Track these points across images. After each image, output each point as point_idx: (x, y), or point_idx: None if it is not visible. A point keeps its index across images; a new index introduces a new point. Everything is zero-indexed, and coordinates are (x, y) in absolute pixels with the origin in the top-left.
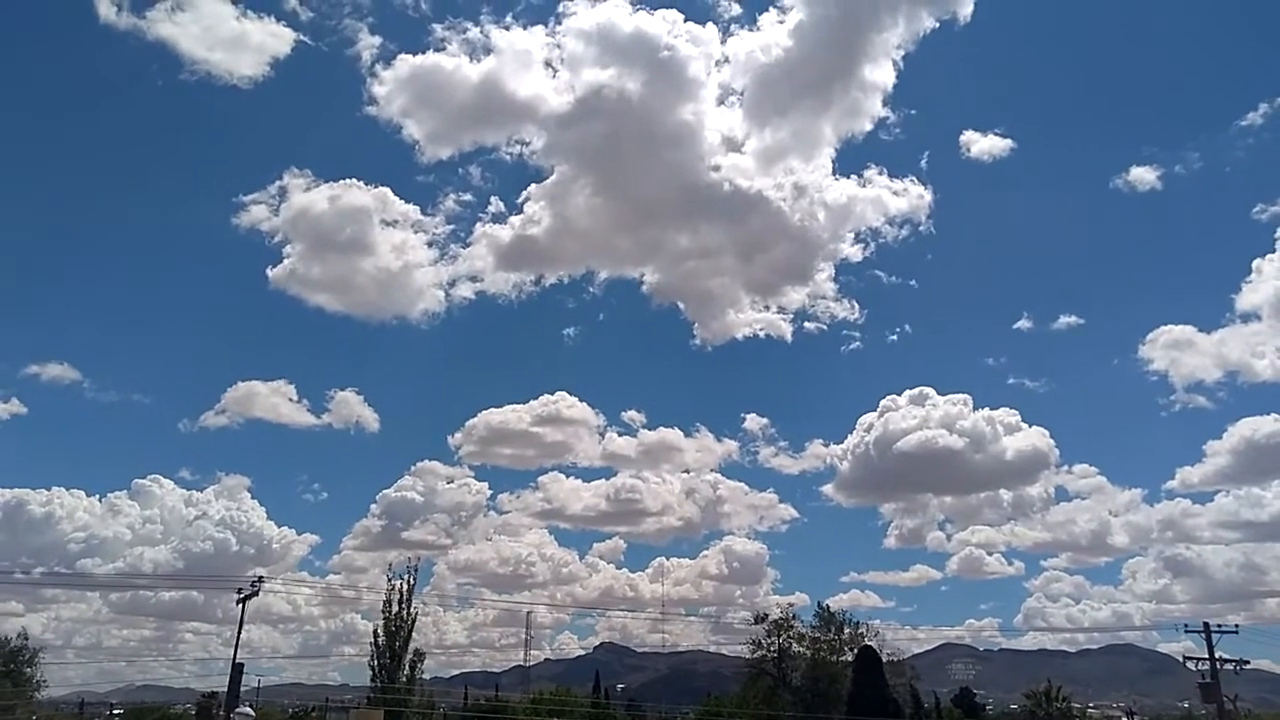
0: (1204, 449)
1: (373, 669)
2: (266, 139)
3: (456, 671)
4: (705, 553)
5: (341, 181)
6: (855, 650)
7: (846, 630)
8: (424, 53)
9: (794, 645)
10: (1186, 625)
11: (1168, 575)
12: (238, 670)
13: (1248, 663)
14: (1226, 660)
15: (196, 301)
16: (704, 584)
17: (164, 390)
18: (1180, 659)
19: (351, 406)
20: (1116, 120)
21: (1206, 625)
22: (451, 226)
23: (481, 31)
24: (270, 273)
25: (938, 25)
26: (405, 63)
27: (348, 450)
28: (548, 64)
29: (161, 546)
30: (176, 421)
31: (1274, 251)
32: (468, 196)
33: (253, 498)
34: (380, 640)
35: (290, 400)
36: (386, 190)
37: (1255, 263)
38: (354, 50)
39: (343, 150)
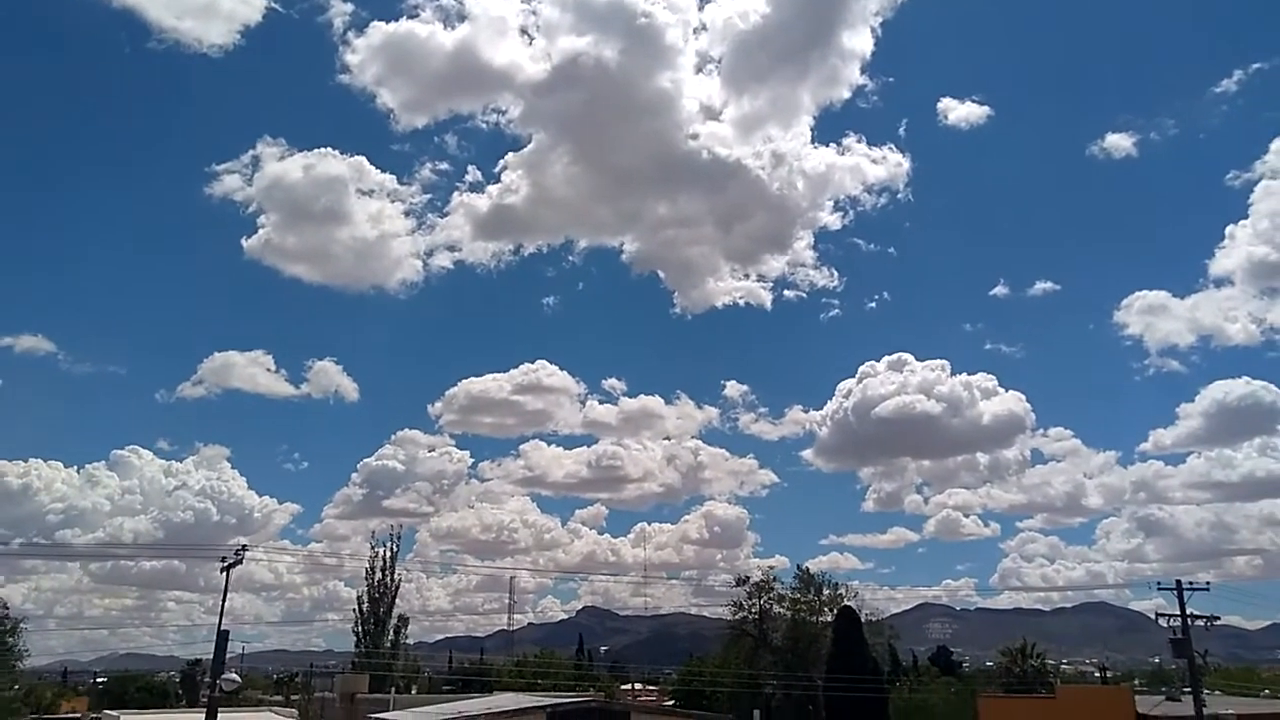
0: (1177, 412)
1: (357, 635)
2: (238, 108)
3: (441, 636)
4: (686, 518)
5: (316, 151)
6: (835, 611)
7: (826, 591)
8: (397, 20)
9: (774, 607)
10: (1159, 583)
11: (1140, 535)
12: (223, 638)
13: (1218, 619)
14: (1197, 617)
15: (170, 272)
16: (685, 548)
17: (139, 361)
18: (1153, 616)
19: (330, 376)
20: (1093, 88)
21: (1179, 583)
22: (428, 196)
23: None
24: (245, 243)
25: None
26: (378, 30)
27: (327, 420)
28: (523, 31)
29: (141, 516)
30: (153, 392)
31: (1247, 218)
32: (444, 165)
33: (233, 468)
34: (364, 607)
35: (268, 370)
36: (362, 159)
37: (1228, 229)
38: (326, 17)
39: (316, 119)
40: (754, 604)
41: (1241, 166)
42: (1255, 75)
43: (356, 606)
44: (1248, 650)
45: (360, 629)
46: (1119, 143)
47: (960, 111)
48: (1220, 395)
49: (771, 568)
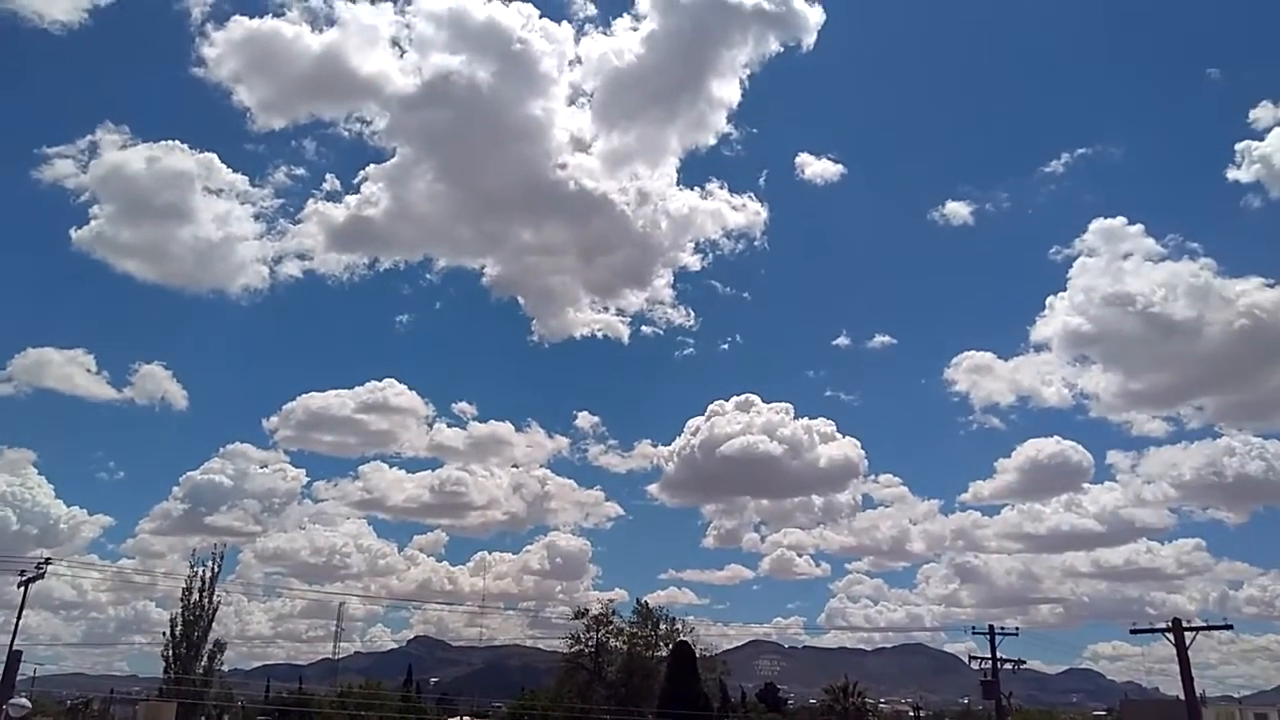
0: (995, 466)
1: (166, 659)
2: (79, 90)
3: (259, 664)
4: (529, 548)
5: (163, 143)
6: (671, 646)
7: (663, 626)
8: (261, 17)
9: (611, 640)
10: (973, 627)
11: (956, 581)
12: (14, 659)
13: (1024, 662)
14: (1006, 660)
15: None
16: (525, 579)
17: None
18: (965, 658)
19: (158, 381)
20: (938, 157)
21: (991, 628)
22: (281, 201)
23: (325, 2)
24: (74, 234)
25: (782, 50)
26: (240, 25)
27: (151, 428)
28: (395, 43)
29: None
30: None
31: (1065, 290)
32: (300, 171)
33: (39, 473)
34: (177, 629)
35: (88, 371)
36: (213, 156)
37: (1049, 299)
38: (184, 5)
39: (166, 110)
40: (591, 637)
41: (1063, 242)
42: (1079, 159)
43: (169, 629)
44: (1046, 693)
45: (171, 653)
46: (958, 210)
47: (816, 167)
48: (1033, 453)
49: (611, 601)
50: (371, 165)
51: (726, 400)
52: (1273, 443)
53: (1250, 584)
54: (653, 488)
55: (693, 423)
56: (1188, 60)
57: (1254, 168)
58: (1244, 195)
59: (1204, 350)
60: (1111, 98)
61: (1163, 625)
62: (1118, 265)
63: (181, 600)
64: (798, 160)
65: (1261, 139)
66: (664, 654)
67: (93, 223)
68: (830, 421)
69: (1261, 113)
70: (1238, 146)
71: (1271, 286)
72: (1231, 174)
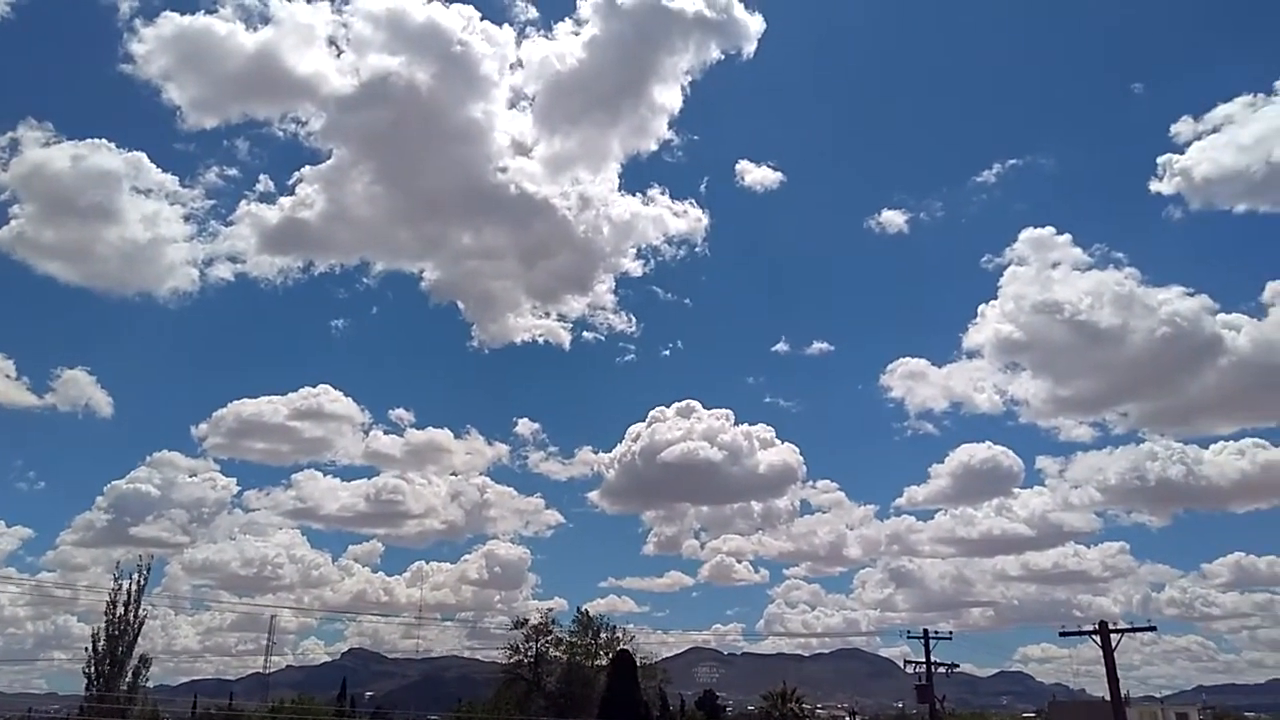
0: (929, 471)
1: (88, 676)
2: None
3: (186, 679)
4: (467, 557)
5: (88, 141)
6: (611, 655)
7: (604, 635)
8: (193, 14)
9: (551, 650)
10: (908, 632)
11: (891, 585)
12: None
13: (957, 666)
14: (940, 664)
15: None
16: (463, 589)
17: None
18: (900, 663)
19: (81, 387)
20: (874, 165)
21: (926, 632)
22: (212, 202)
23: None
24: None
25: (723, 57)
26: (170, 21)
27: (73, 435)
28: (331, 42)
29: None
30: None
31: (996, 299)
32: (233, 171)
33: None
34: (100, 645)
35: (7, 377)
36: (141, 156)
37: (980, 307)
38: (110, 0)
39: (92, 107)
40: (530, 647)
41: (994, 251)
42: (1010, 170)
43: (91, 644)
44: (977, 696)
45: (93, 669)
46: (893, 219)
47: (756, 174)
48: (965, 458)
49: (551, 610)
50: (307, 167)
51: (668, 406)
52: (1193, 448)
53: (1171, 586)
54: (593, 495)
55: (634, 429)
56: (1113, 75)
57: (1175, 180)
58: (1165, 207)
59: (1128, 357)
60: (1041, 110)
61: (1090, 628)
62: (1046, 274)
63: (105, 614)
64: (738, 167)
65: (1182, 152)
66: (604, 663)
67: (13, 223)
68: (770, 427)
69: (1182, 127)
70: (1159, 160)
71: (1192, 295)
72: (1154, 186)
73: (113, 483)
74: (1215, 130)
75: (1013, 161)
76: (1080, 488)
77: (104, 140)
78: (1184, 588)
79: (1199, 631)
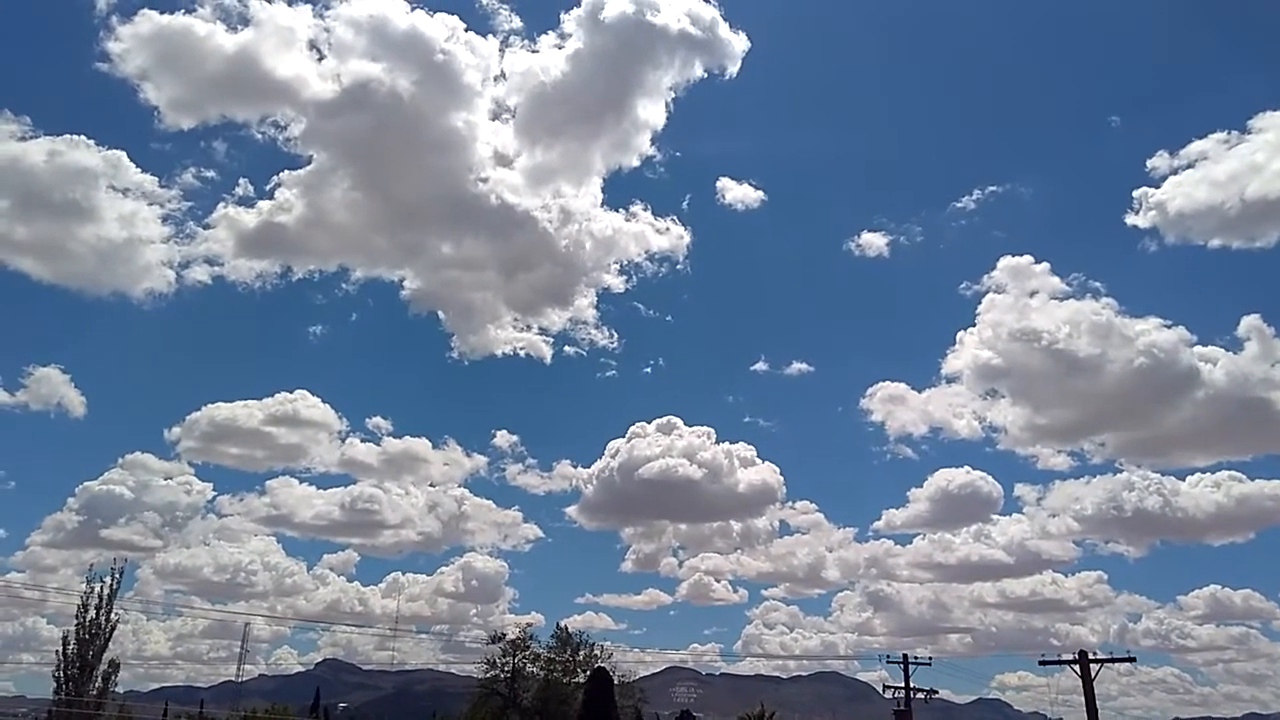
0: (908, 495)
1: (57, 680)
2: None
3: (156, 685)
4: (443, 569)
5: (66, 137)
6: (588, 672)
7: (582, 652)
8: (172, 13)
9: (528, 665)
10: (887, 656)
11: (870, 609)
12: None
13: (936, 692)
14: (918, 690)
15: None
16: (440, 601)
17: None
18: (878, 687)
19: (53, 386)
20: (856, 187)
21: (905, 657)
22: (190, 203)
23: (240, 0)
24: None
25: (706, 75)
26: (148, 19)
27: (44, 435)
28: (313, 46)
29: None
30: None
31: (974, 325)
32: (211, 173)
33: None
34: (70, 648)
35: None
36: (121, 154)
37: (959, 334)
38: None
39: (71, 104)
40: (507, 662)
41: (973, 278)
42: (990, 196)
43: (60, 648)
44: None
45: (62, 673)
46: (874, 241)
47: (737, 192)
48: (944, 483)
49: (528, 625)
50: (286, 171)
51: (648, 423)
52: (1169, 479)
53: (1148, 616)
54: (572, 509)
55: (614, 444)
56: (1093, 107)
57: (1150, 214)
58: (1142, 239)
59: (1105, 387)
60: (1021, 139)
61: (1069, 657)
62: (1025, 302)
63: (77, 618)
64: (719, 185)
65: (1158, 186)
66: (582, 680)
67: None
68: (750, 446)
69: (1159, 161)
70: (1135, 193)
71: (1169, 327)
72: (1130, 219)
73: (85, 484)
74: (1190, 166)
75: (992, 188)
76: (1058, 516)
77: (82, 137)
78: (1160, 619)
79: (1174, 663)
